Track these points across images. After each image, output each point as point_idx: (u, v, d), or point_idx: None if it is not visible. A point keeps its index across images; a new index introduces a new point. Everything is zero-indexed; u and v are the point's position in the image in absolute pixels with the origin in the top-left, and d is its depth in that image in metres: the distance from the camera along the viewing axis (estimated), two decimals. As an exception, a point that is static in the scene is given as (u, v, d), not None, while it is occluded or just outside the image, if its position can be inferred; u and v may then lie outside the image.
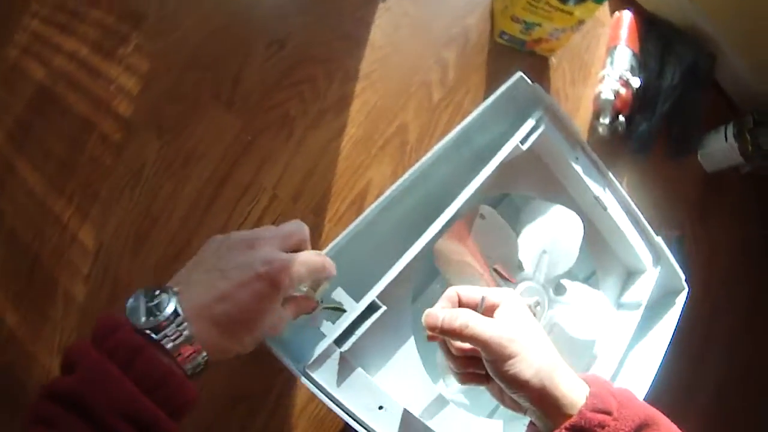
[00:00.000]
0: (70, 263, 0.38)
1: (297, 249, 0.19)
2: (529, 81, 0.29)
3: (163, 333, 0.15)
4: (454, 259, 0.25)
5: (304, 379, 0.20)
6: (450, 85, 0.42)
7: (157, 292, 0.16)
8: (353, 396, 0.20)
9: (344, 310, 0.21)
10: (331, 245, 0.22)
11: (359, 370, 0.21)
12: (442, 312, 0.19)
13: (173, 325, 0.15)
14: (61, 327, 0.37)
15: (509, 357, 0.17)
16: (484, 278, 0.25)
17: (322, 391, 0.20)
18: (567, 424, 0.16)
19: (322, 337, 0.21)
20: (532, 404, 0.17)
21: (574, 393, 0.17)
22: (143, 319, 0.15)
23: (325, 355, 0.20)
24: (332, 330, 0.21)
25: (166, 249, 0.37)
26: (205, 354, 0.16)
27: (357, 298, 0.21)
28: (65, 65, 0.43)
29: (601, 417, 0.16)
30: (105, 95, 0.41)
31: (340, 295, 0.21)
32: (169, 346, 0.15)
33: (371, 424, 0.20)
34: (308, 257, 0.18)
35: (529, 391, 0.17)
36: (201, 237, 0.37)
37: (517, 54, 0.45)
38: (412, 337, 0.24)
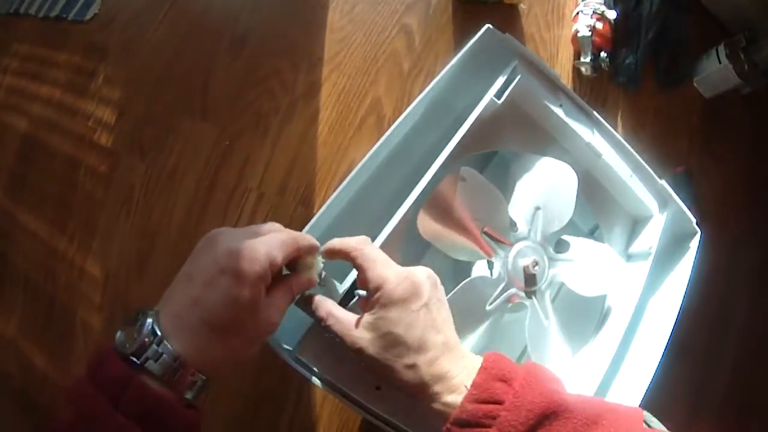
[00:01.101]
0: (83, 296, 0.40)
1: None
2: (498, 32, 0.28)
3: (144, 356, 0.14)
4: (442, 228, 0.24)
5: (296, 365, 0.19)
6: (418, 51, 0.42)
7: (139, 315, 0.15)
8: (349, 378, 0.20)
9: (321, 280, 0.20)
10: (310, 224, 0.22)
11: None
12: (318, 296, 0.18)
13: (153, 345, 0.14)
14: (85, 358, 0.39)
15: (380, 368, 0.16)
16: (476, 243, 0.24)
17: (316, 377, 0.20)
18: (449, 421, 0.15)
19: (311, 321, 0.20)
20: (416, 400, 0.16)
21: (462, 383, 0.15)
22: (127, 345, 0.15)
23: (315, 339, 0.20)
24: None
25: (169, 264, 0.39)
26: (195, 372, 0.15)
27: (343, 279, 0.21)
28: (43, 111, 0.46)
29: (487, 408, 0.14)
30: (85, 131, 0.43)
31: (325, 279, 0.21)
32: (154, 368, 0.14)
33: (371, 405, 0.19)
34: (273, 235, 0.17)
35: (407, 389, 0.16)
36: (199, 247, 0.39)
37: (483, 7, 0.44)
38: None
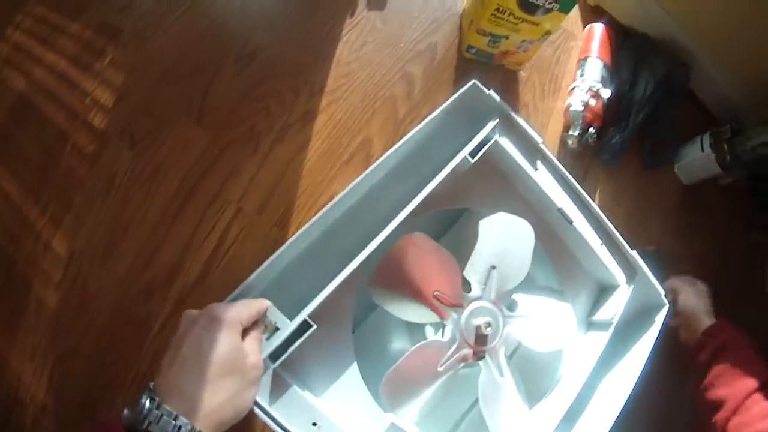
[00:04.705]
0: (43, 271, 0.41)
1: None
2: (483, 89, 0.28)
3: (152, 423, 0.17)
4: (393, 292, 0.25)
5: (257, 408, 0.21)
6: (416, 99, 0.44)
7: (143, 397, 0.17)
8: (287, 412, 0.21)
9: (277, 328, 0.22)
10: (267, 262, 0.23)
11: (294, 387, 0.22)
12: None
13: (159, 415, 0.17)
14: (33, 333, 0.40)
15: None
16: (428, 305, 0.25)
17: (257, 406, 0.21)
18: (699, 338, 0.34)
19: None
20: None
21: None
22: (133, 419, 0.17)
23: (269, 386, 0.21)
24: (266, 346, 0.22)
25: (134, 258, 0.40)
26: (185, 421, 0.17)
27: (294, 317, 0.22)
28: (44, 77, 0.47)
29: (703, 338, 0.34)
30: (81, 107, 0.45)
31: (274, 313, 0.22)
32: (153, 429, 0.16)
33: None
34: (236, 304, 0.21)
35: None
36: (168, 247, 0.40)
37: (484, 68, 0.47)
38: (355, 364, 0.25)
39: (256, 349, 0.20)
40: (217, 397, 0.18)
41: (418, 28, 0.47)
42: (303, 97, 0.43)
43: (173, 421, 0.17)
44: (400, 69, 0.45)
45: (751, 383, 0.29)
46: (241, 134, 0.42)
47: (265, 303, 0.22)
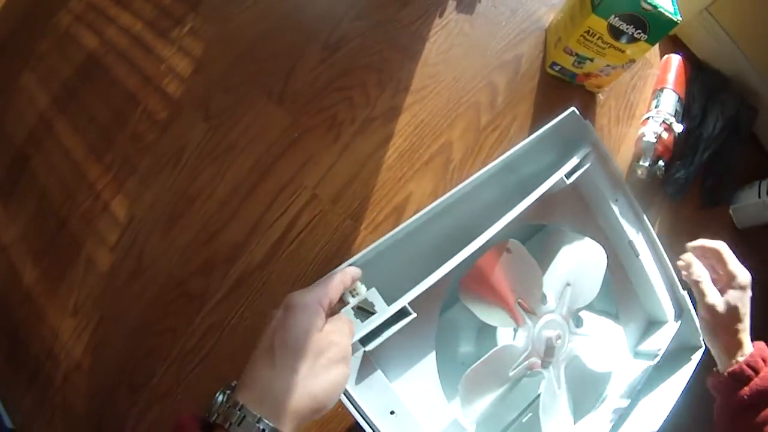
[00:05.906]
0: (98, 231, 0.40)
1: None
2: (581, 117, 0.31)
3: (219, 415, 0.17)
4: (481, 295, 0.26)
5: None
6: (498, 109, 0.44)
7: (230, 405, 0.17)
8: (368, 396, 0.21)
9: (374, 312, 0.22)
10: (369, 248, 0.24)
11: (379, 372, 0.22)
12: (696, 261, 0.30)
13: (227, 407, 0.17)
14: (78, 290, 0.39)
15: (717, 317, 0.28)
16: (510, 311, 0.26)
17: (347, 398, 0.21)
18: (730, 369, 0.27)
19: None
20: (720, 351, 0.28)
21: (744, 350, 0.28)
22: (206, 415, 0.17)
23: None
24: (360, 328, 0.22)
25: (198, 233, 0.39)
26: (249, 410, 0.16)
27: (389, 303, 0.23)
28: (118, 38, 0.46)
29: (750, 372, 0.26)
30: (155, 73, 0.44)
31: (373, 296, 0.22)
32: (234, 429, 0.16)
33: (380, 427, 0.21)
34: (321, 283, 0.20)
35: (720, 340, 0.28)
36: (235, 225, 0.39)
37: (565, 86, 0.47)
38: (434, 352, 0.25)
39: (340, 329, 0.20)
40: (284, 382, 0.17)
41: (505, 37, 0.46)
42: (388, 92, 0.42)
43: (237, 411, 0.16)
44: (485, 77, 0.44)
45: None
46: (322, 121, 0.41)
47: (348, 272, 0.21)
